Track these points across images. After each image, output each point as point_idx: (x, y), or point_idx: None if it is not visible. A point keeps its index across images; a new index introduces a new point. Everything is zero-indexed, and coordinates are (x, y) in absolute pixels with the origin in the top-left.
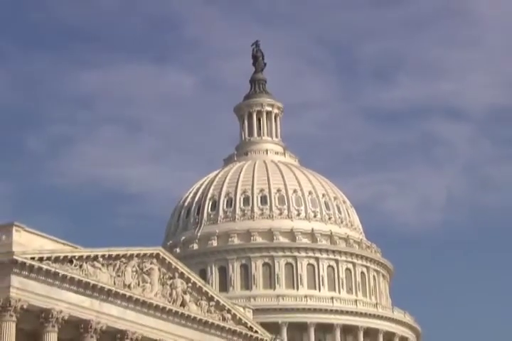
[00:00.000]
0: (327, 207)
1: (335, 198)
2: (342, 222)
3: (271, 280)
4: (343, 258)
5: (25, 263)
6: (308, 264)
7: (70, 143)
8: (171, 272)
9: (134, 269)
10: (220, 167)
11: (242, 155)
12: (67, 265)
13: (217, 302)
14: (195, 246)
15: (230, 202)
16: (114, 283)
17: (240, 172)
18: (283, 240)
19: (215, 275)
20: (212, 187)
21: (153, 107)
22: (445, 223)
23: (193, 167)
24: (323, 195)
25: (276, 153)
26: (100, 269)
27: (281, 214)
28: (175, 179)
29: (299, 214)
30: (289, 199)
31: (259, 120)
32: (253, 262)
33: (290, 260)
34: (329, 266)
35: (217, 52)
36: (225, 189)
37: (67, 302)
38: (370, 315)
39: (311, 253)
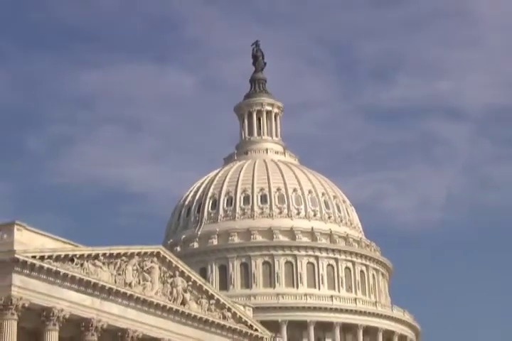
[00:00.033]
0: (327, 206)
1: (334, 197)
2: (341, 221)
3: (271, 279)
4: (343, 256)
5: (26, 261)
6: (308, 263)
7: (70, 143)
8: (171, 270)
9: (135, 268)
10: (221, 166)
11: (242, 155)
12: (69, 263)
13: (218, 300)
14: (196, 245)
15: (230, 201)
16: (115, 282)
17: (240, 172)
18: (283, 239)
19: (215, 273)
20: (212, 186)
21: (153, 107)
22: (444, 222)
23: (193, 166)
24: (323, 194)
25: (276, 152)
26: (101, 268)
27: (281, 213)
28: (175, 178)
29: (298, 213)
30: (289, 198)
31: (259, 119)
32: (253, 261)
33: (290, 258)
34: (329, 264)
35: (217, 52)
36: (225, 188)
37: (69, 301)
38: (369, 313)
39: (310, 252)
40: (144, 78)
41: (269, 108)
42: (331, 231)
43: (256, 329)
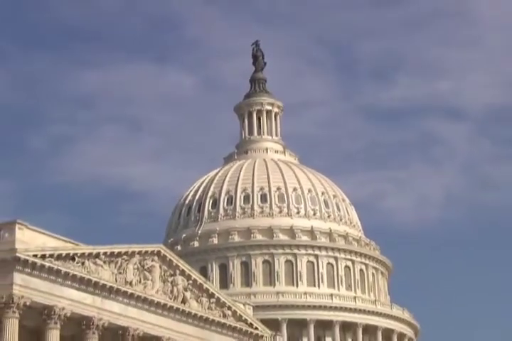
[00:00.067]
0: (326, 205)
1: (334, 196)
2: (341, 220)
3: (271, 278)
4: (342, 255)
5: (27, 260)
6: (308, 261)
7: (71, 142)
8: (172, 269)
9: (136, 266)
10: (221, 165)
11: (242, 154)
12: (70, 262)
13: (218, 299)
14: (196, 244)
15: (231, 200)
16: (116, 280)
17: (240, 171)
18: (283, 238)
19: (215, 272)
20: (212, 186)
21: (153, 107)
22: (444, 221)
23: (193, 165)
24: (323, 193)
25: (276, 151)
26: (102, 266)
27: (281, 212)
28: (176, 177)
29: (298, 212)
30: (289, 197)
31: (259, 119)
32: (253, 259)
33: (290, 257)
34: (328, 263)
35: (217, 52)
36: (225, 187)
37: (70, 299)
38: (368, 311)
39: (310, 251)
40: (144, 78)
41: (269, 107)
42: (330, 230)
43: (256, 328)
